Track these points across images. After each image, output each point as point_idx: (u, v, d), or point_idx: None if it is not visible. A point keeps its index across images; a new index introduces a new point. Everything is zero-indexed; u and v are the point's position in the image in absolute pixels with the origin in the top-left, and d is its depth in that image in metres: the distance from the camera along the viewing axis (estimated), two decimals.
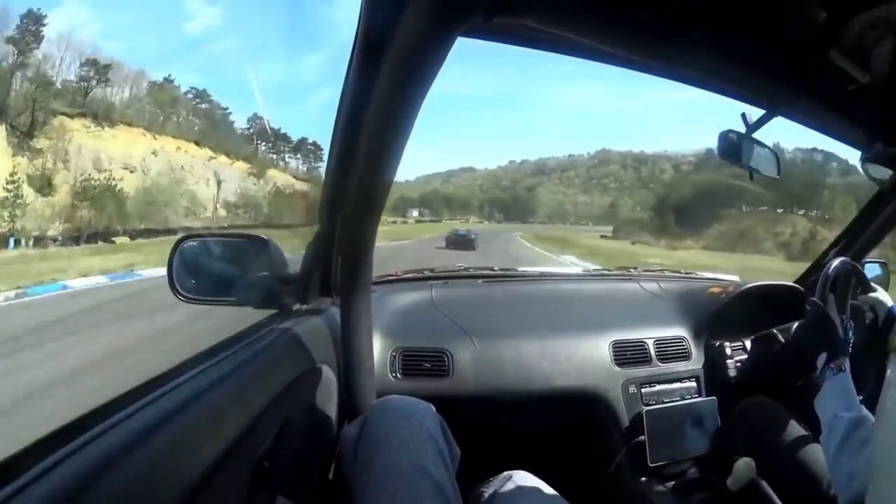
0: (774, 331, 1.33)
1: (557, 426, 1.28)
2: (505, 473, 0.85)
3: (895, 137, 0.51)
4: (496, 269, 1.63)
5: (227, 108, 38.72)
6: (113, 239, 23.36)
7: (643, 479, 1.16)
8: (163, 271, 0.86)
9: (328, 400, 0.88)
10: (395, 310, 1.24)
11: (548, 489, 0.82)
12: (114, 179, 25.87)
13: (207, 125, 35.70)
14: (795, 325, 1.29)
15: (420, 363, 1.13)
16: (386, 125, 0.66)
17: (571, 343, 1.21)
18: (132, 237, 24.04)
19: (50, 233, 22.20)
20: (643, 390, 1.22)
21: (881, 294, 1.08)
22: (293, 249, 0.99)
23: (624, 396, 1.20)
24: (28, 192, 22.48)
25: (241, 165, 35.26)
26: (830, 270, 1.05)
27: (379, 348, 1.10)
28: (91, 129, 27.59)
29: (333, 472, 0.89)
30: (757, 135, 0.75)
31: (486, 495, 0.81)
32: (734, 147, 0.78)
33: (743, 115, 0.76)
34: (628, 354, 1.23)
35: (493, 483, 0.84)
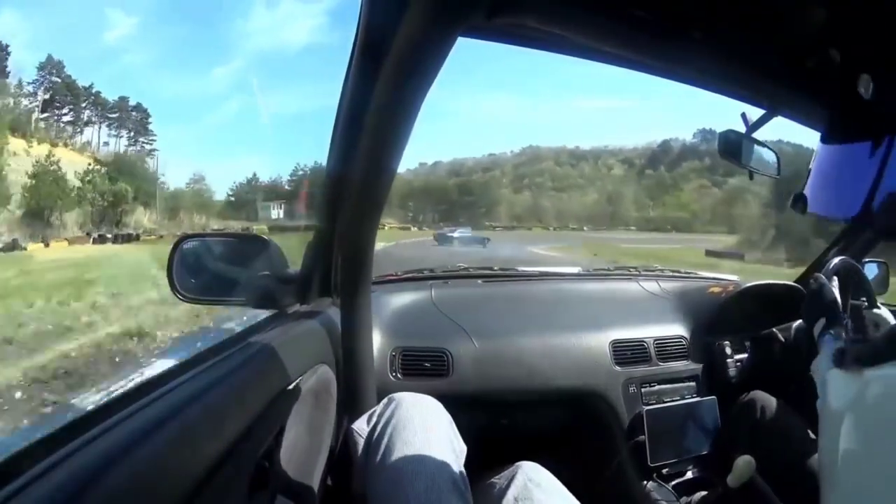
0: (774, 330, 1.33)
1: (557, 425, 1.28)
2: (515, 464, 0.85)
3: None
4: (496, 268, 1.63)
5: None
6: None
7: (643, 478, 1.16)
8: None
9: (328, 400, 0.88)
10: (395, 309, 1.24)
11: (557, 482, 0.82)
12: None
13: None
14: (795, 324, 1.29)
15: (420, 363, 1.13)
16: (386, 125, 0.66)
17: (571, 342, 1.21)
18: None
19: None
20: (643, 390, 1.22)
21: (885, 312, 1.08)
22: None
23: (624, 396, 1.20)
24: None
25: None
26: (830, 269, 1.05)
27: (379, 348, 1.10)
28: None
29: (334, 472, 0.89)
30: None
31: (498, 487, 0.82)
32: (734, 147, 0.78)
33: (743, 115, 0.76)
34: (628, 354, 1.23)
35: (504, 474, 0.84)
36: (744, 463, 1.07)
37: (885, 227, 0.72)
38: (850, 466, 0.57)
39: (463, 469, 0.73)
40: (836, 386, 0.63)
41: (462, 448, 0.79)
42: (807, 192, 0.69)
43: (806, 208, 0.66)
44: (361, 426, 0.79)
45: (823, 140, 0.69)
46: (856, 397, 0.58)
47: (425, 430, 0.74)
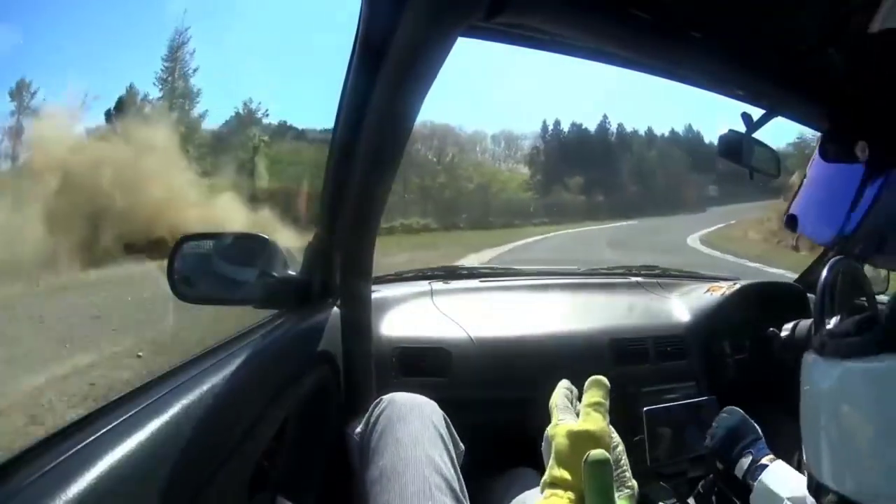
0: (774, 330, 1.33)
1: None
2: (511, 471, 0.85)
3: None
4: (496, 267, 1.63)
5: None
6: None
7: (642, 479, 1.16)
8: None
9: (328, 400, 0.88)
10: (395, 309, 1.24)
11: None
12: None
13: None
14: (791, 324, 1.29)
15: (419, 362, 1.13)
16: (386, 125, 0.66)
17: (570, 341, 1.21)
18: None
19: None
20: (642, 389, 1.22)
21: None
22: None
23: (623, 395, 1.20)
24: None
25: None
26: (831, 270, 1.05)
27: (379, 348, 1.10)
28: None
29: (334, 472, 0.90)
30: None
31: (492, 491, 0.81)
32: (735, 146, 0.78)
33: (743, 115, 0.76)
34: (627, 353, 1.23)
35: (499, 480, 0.84)
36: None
37: (859, 256, 0.71)
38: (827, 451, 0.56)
39: (458, 469, 0.72)
40: (816, 374, 0.61)
41: (458, 448, 0.78)
42: (795, 210, 0.67)
43: (796, 228, 0.65)
44: (356, 427, 0.78)
45: (822, 155, 0.68)
46: (834, 386, 0.56)
47: (418, 429, 0.72)
